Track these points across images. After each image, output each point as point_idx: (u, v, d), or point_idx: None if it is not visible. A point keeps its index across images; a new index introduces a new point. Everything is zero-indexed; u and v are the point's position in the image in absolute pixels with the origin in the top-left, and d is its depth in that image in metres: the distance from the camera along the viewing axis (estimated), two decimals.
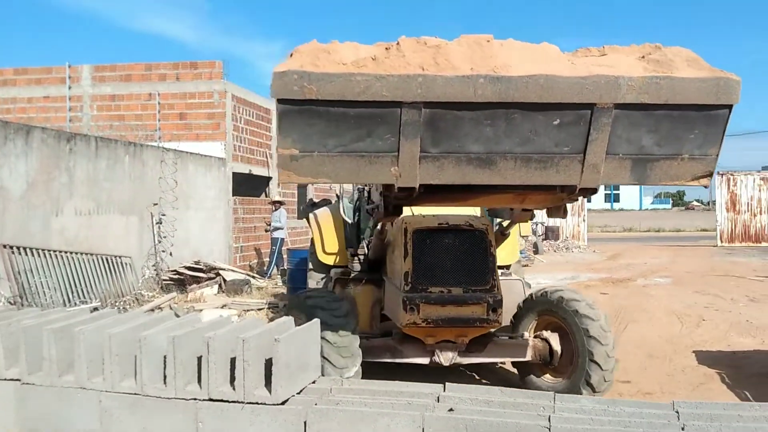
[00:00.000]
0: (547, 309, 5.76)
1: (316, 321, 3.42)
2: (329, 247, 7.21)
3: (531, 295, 6.03)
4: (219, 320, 3.37)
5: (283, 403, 2.85)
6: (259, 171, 17.79)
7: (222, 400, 2.88)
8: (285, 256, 15.12)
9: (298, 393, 3.00)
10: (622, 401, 2.80)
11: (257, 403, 2.84)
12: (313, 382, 3.16)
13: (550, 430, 2.56)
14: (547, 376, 5.84)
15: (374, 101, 3.13)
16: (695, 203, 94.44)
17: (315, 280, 7.32)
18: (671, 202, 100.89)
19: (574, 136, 3.34)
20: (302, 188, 20.95)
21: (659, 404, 2.81)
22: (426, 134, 3.26)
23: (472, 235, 5.37)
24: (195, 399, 2.91)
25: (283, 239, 16.10)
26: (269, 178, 18.50)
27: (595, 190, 3.66)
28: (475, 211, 6.25)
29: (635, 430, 2.47)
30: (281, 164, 3.26)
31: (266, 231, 16.61)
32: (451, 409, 2.79)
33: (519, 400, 2.85)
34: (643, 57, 3.42)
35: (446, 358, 5.36)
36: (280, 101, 3.13)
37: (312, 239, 7.61)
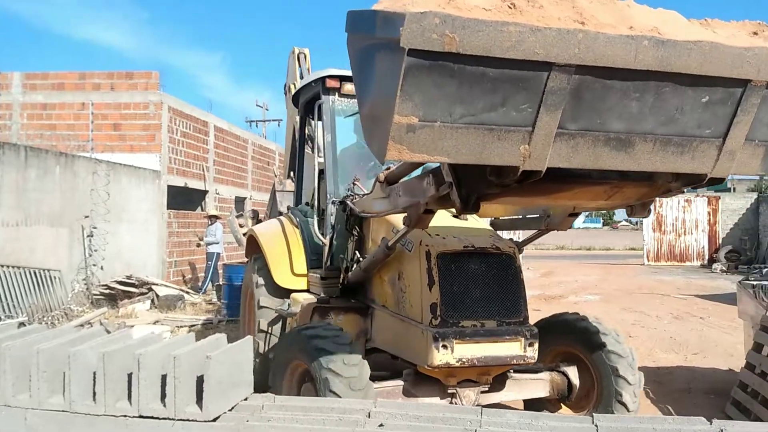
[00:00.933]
0: (565, 339, 5.31)
1: (249, 338, 3.42)
2: (290, 267, 6.31)
3: (544, 321, 5.57)
4: (150, 337, 3.35)
5: (214, 420, 2.86)
6: (195, 184, 17.58)
7: (152, 417, 2.86)
8: (221, 272, 14.96)
9: (230, 410, 3.00)
10: (545, 416, 2.91)
11: (188, 420, 2.83)
12: (245, 399, 3.17)
13: None
14: (563, 411, 5.33)
15: (522, 60, 2.53)
16: (624, 222, 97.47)
17: (269, 306, 6.32)
18: (601, 221, 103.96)
19: (718, 117, 2.93)
20: (240, 201, 20.78)
21: (581, 418, 2.94)
22: (568, 106, 2.71)
23: (500, 259, 4.81)
24: (125, 416, 2.89)
25: (219, 254, 15.94)
26: (205, 192, 18.29)
27: (721, 180, 3.24)
28: (484, 224, 5.62)
29: None
30: (394, 136, 2.59)
31: (198, 245, 16.39)
32: (381, 425, 2.85)
33: (447, 414, 2.92)
34: (755, 33, 2.97)
35: (468, 399, 4.73)
36: (410, 53, 2.42)
37: (258, 258, 6.66)
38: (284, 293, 6.20)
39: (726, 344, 9.43)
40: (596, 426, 2.77)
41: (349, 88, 5.96)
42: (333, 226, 5.79)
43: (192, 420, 2.83)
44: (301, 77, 8.88)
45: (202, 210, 18.12)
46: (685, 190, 3.75)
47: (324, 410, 3.01)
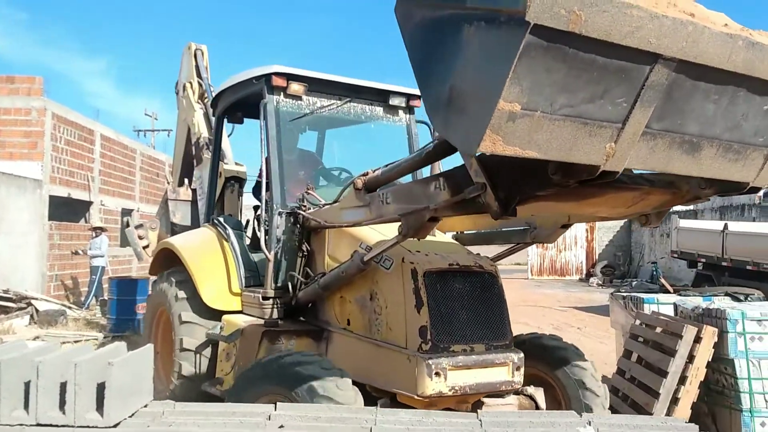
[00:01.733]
0: (527, 360, 4.68)
1: (150, 346, 3.44)
2: (221, 286, 5.75)
3: None
4: (48, 346, 3.32)
5: (115, 426, 2.89)
6: (79, 195, 16.91)
7: (51, 425, 2.86)
8: (105, 286, 14.47)
9: (131, 416, 3.04)
10: (434, 413, 3.14)
11: (89, 427, 2.85)
12: (145, 406, 3.21)
13: None
14: None
15: (633, 49, 2.33)
16: None
17: (194, 322, 5.70)
18: None
19: None
20: (127, 213, 20.14)
21: (466, 414, 3.18)
22: (659, 103, 2.54)
23: (483, 278, 4.60)
24: (21, 425, 2.87)
25: (103, 267, 15.41)
26: (90, 203, 17.62)
27: (757, 190, 3.19)
28: (451, 240, 5.37)
29: None
30: (494, 124, 2.30)
31: (75, 253, 15.75)
32: (281, 426, 2.98)
33: (344, 415, 3.09)
34: None
35: None
36: (533, 29, 2.14)
37: (175, 273, 6.05)
38: (212, 314, 5.69)
39: (601, 353, 10.07)
40: (480, 421, 3.02)
41: (295, 88, 5.52)
42: (279, 240, 5.28)
43: (93, 427, 2.85)
44: (199, 75, 8.41)
45: (87, 222, 17.44)
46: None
47: (225, 414, 3.10)
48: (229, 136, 7.53)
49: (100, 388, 2.92)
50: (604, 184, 2.91)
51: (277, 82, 5.47)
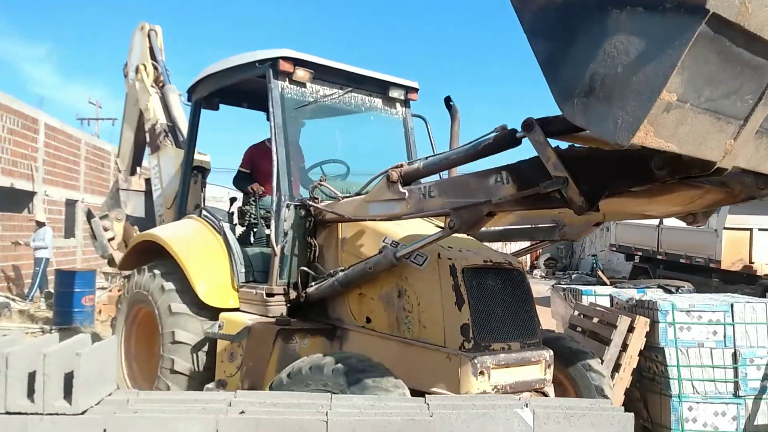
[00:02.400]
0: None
1: (113, 338, 3.57)
2: (218, 281, 5.42)
3: None
4: (15, 337, 3.42)
5: (83, 413, 3.03)
6: (22, 185, 16.58)
7: (20, 413, 2.98)
8: (50, 278, 14.29)
9: (97, 404, 3.18)
10: (387, 398, 3.37)
11: (57, 414, 2.98)
12: (110, 395, 3.35)
13: (327, 423, 3.04)
14: None
15: None
16: None
17: (186, 313, 5.37)
18: None
19: None
20: (71, 204, 19.81)
21: (416, 399, 3.42)
22: None
23: (513, 275, 4.58)
24: None
25: (48, 259, 15.19)
26: (34, 193, 17.29)
27: None
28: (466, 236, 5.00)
29: (396, 418, 3.03)
30: (652, 114, 2.24)
31: (16, 243, 15.47)
32: (242, 412, 3.16)
33: (302, 401, 3.29)
34: None
35: None
36: (710, 19, 2.11)
37: (158, 266, 5.71)
38: (206, 311, 5.39)
39: None
40: (428, 404, 3.27)
41: (301, 75, 5.26)
42: (286, 233, 5.05)
43: (61, 414, 2.98)
44: (153, 57, 7.88)
45: (30, 212, 17.11)
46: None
47: (188, 401, 3.27)
48: None
49: (68, 378, 3.04)
50: (681, 181, 3.00)
51: (284, 67, 5.18)
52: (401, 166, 4.17)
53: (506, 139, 3.54)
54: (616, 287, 9.22)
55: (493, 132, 3.65)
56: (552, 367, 4.48)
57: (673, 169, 2.80)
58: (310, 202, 5.00)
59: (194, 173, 6.77)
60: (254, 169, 6.32)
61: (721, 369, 6.24)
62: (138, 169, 8.33)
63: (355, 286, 4.69)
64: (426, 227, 4.73)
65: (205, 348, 5.34)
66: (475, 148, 3.75)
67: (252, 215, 5.93)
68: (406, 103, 6.15)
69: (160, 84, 7.91)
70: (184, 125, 7.22)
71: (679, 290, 8.81)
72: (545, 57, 2.57)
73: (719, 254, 13.16)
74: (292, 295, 5.04)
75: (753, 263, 13.42)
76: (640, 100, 2.26)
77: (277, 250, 4.99)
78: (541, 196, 3.33)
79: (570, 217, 4.51)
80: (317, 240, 5.09)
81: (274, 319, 4.93)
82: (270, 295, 5.03)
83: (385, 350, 4.39)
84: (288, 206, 5.07)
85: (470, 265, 4.32)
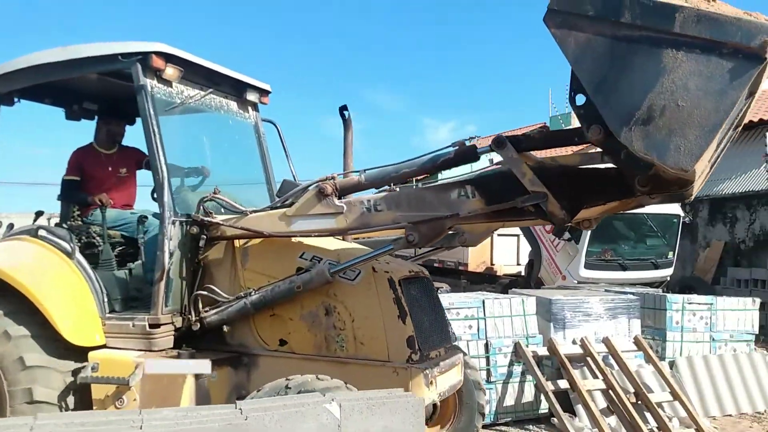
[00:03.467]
0: None
1: None
2: (80, 315, 4.60)
3: None
4: None
5: None
6: None
7: None
8: None
9: None
10: (198, 408, 3.45)
11: None
12: None
13: None
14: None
15: None
16: None
17: (50, 366, 4.46)
18: None
19: None
20: None
21: (226, 406, 3.55)
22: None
23: (427, 283, 4.66)
24: None
25: None
26: None
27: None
28: (358, 245, 5.03)
29: (213, 425, 3.16)
30: (710, 146, 2.68)
31: None
32: None
33: (111, 417, 3.27)
34: None
35: None
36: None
37: (13, 311, 4.57)
38: (71, 355, 4.55)
39: None
40: (240, 410, 3.43)
41: (170, 73, 4.70)
42: (171, 254, 4.51)
43: None
44: None
45: None
46: None
47: None
48: None
49: None
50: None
51: (157, 63, 4.61)
52: (333, 177, 4.07)
53: (467, 154, 3.68)
54: None
55: (451, 146, 3.76)
56: (463, 366, 4.64)
57: (655, 186, 3.07)
58: (206, 218, 4.56)
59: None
60: (83, 177, 5.55)
61: (476, 359, 7.02)
62: None
63: (268, 308, 4.40)
64: (331, 241, 4.63)
65: (72, 401, 4.50)
66: (432, 162, 3.82)
67: (94, 231, 5.20)
68: (256, 106, 5.83)
69: None
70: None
71: (440, 290, 9.69)
72: (595, 84, 2.84)
73: (467, 258, 14.53)
74: (179, 323, 4.57)
75: (494, 265, 15.04)
76: (702, 131, 2.60)
77: (164, 273, 4.47)
78: (515, 210, 3.48)
79: (470, 225, 4.52)
80: (204, 260, 4.68)
81: (163, 353, 4.47)
82: (155, 326, 4.47)
83: (310, 372, 4.00)
84: (174, 223, 4.55)
85: (405, 276, 4.31)
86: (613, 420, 6.81)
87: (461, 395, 5.19)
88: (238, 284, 4.58)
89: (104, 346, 4.62)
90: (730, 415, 7.70)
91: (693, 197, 3.33)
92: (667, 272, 12.90)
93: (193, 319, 4.52)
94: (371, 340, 4.15)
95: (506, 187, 3.49)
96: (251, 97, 5.60)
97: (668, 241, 13.01)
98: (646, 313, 8.34)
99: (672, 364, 7.76)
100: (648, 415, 6.71)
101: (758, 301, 8.71)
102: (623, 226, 12.58)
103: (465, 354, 5.05)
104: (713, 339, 8.18)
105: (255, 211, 4.52)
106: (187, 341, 4.59)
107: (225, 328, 4.53)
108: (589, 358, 7.22)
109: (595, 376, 7.09)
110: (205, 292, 4.56)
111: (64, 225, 5.34)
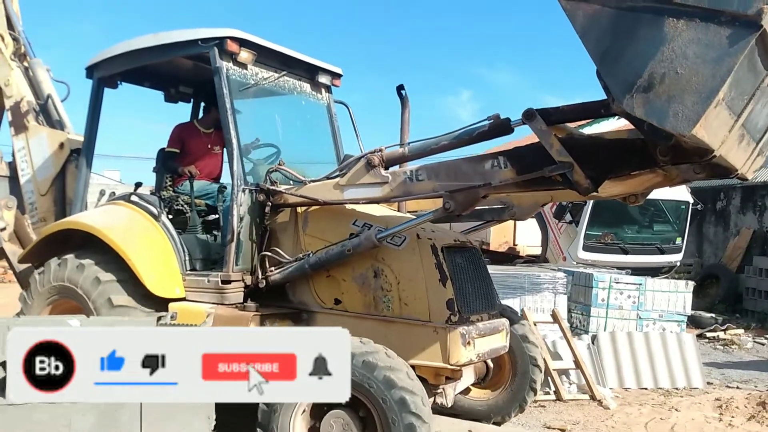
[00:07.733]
0: None
1: None
2: (163, 270, 5.08)
3: None
4: None
5: None
6: None
7: None
8: None
9: None
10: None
11: None
12: None
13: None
14: (478, 393, 5.59)
15: None
16: None
17: (131, 306, 4.96)
18: None
19: None
20: None
21: None
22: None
23: (474, 252, 4.98)
24: None
25: None
26: None
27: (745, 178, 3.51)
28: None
29: None
30: (708, 113, 2.73)
31: None
32: None
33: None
34: None
35: (449, 396, 4.60)
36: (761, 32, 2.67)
37: (82, 254, 5.19)
38: (151, 303, 4.99)
39: None
40: None
41: (245, 56, 5.11)
42: (241, 219, 4.93)
43: None
44: (11, 27, 6.89)
45: None
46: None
47: None
48: (63, 101, 6.76)
49: None
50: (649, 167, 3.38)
51: (231, 47, 5.02)
52: (381, 150, 4.34)
53: (501, 126, 3.84)
54: None
55: (486, 120, 3.93)
56: (509, 334, 4.90)
57: (675, 155, 3.11)
58: (271, 186, 4.94)
59: (75, 156, 6.20)
60: (182, 151, 6.00)
61: None
62: None
63: (324, 269, 4.69)
64: (381, 209, 5.04)
65: None
66: (469, 134, 4.00)
67: (183, 200, 5.71)
68: (329, 89, 6.13)
69: (21, 57, 6.97)
70: (57, 103, 6.73)
71: None
72: (600, 54, 2.96)
73: (489, 238, 14.12)
74: (248, 281, 4.94)
75: (516, 245, 14.58)
76: (699, 97, 2.68)
77: (234, 236, 4.89)
78: (543, 179, 3.63)
79: (519, 198, 4.68)
80: (271, 225, 5.04)
81: (235, 306, 4.85)
82: (226, 282, 4.88)
83: (361, 329, 4.31)
84: (244, 191, 4.97)
85: (448, 244, 4.59)
86: None
87: (516, 367, 5.46)
88: (300, 247, 4.92)
89: (184, 299, 5.03)
90: (645, 389, 7.59)
91: (750, 178, 3.39)
92: (675, 258, 12.68)
93: (260, 277, 4.87)
94: (414, 301, 4.40)
95: (537, 158, 3.63)
96: (323, 79, 5.93)
97: (676, 227, 12.77)
98: (579, 290, 8.96)
99: (594, 338, 7.83)
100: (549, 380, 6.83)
101: (691, 284, 9.20)
102: (626, 211, 12.26)
103: (524, 324, 5.39)
104: (640, 317, 8.75)
105: (313, 181, 4.87)
106: (255, 298, 4.93)
107: (287, 287, 4.89)
108: None
109: None
110: (270, 254, 4.92)
111: (157, 194, 5.78)
